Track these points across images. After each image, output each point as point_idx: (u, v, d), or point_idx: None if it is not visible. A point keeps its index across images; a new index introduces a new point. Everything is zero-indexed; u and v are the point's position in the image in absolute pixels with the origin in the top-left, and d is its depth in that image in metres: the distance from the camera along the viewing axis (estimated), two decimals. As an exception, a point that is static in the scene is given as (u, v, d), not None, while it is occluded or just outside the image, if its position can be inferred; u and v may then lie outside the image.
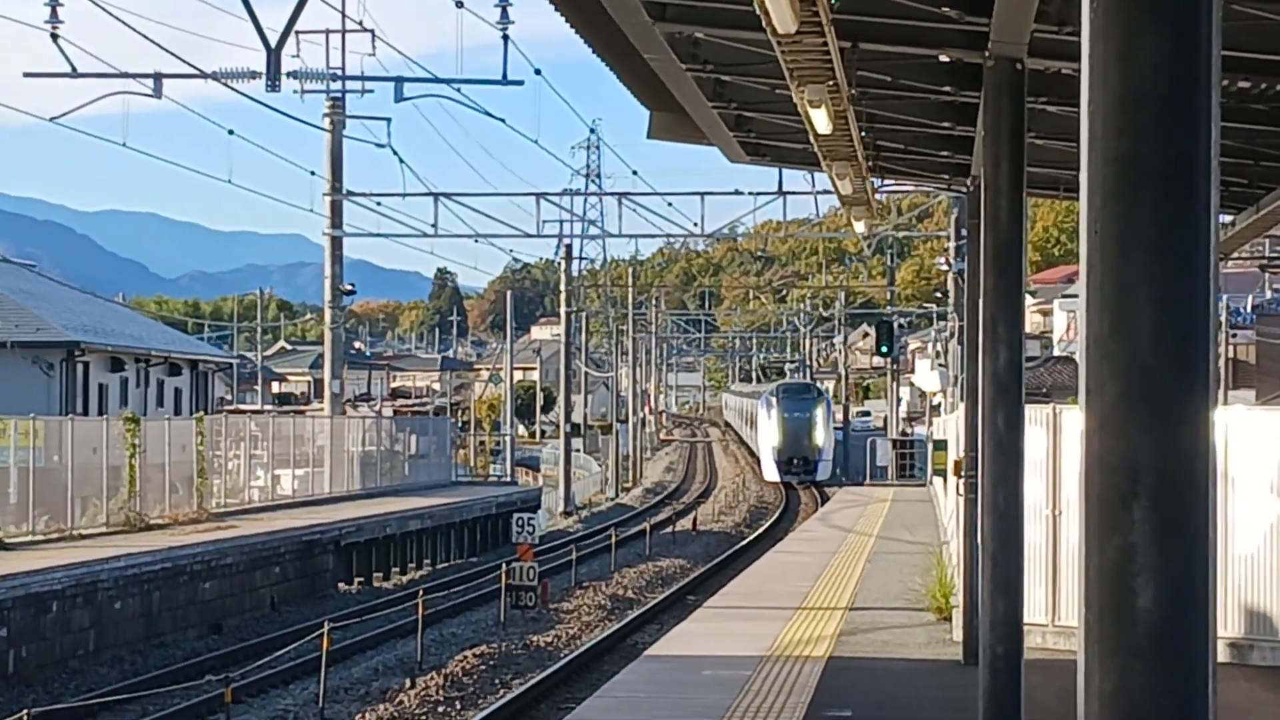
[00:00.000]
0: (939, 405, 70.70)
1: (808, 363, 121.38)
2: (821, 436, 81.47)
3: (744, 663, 19.00)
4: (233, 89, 42.34)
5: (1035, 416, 19.18)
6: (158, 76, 43.11)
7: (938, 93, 14.65)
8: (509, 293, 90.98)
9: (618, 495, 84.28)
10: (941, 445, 32.19)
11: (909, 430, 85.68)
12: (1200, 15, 3.53)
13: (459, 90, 45.94)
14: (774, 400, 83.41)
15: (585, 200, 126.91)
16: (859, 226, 25.88)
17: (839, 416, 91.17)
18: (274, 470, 45.56)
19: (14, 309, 48.60)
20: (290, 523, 38.60)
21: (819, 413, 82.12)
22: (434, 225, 49.24)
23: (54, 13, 40.49)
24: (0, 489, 32.46)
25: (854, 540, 36.78)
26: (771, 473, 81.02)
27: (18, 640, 25.88)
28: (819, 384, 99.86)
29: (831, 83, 12.76)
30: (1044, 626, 19.69)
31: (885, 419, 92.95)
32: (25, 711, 18.49)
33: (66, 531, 32.99)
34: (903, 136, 17.71)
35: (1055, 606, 19.81)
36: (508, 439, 75.82)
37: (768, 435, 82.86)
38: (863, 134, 15.90)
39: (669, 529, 57.23)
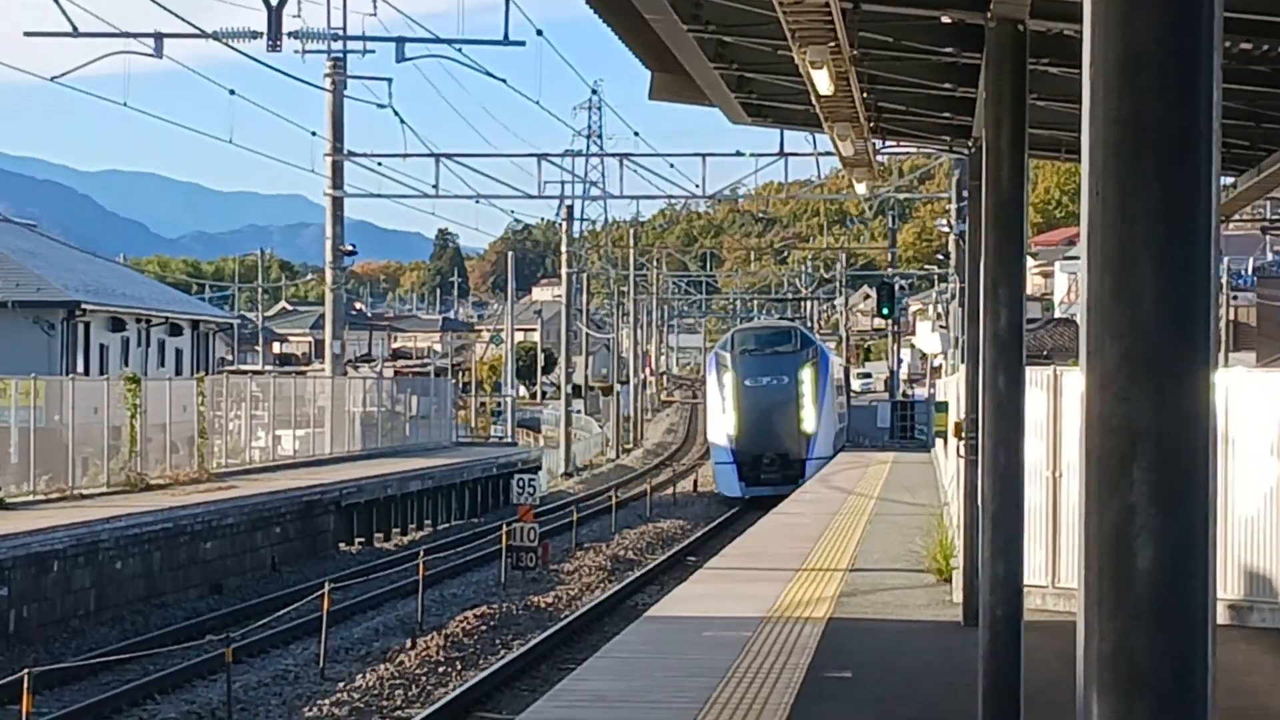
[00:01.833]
0: (940, 367, 70.67)
1: (801, 314, 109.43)
2: (812, 417, 50.87)
3: (744, 624, 19.02)
4: (233, 49, 42.27)
5: (1036, 378, 19.19)
6: (158, 36, 43.02)
7: (939, 54, 14.60)
8: (510, 254, 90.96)
9: (618, 456, 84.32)
10: (943, 407, 32.19)
11: (909, 392, 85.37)
12: (1203, -24, 3.51)
13: (460, 50, 45.94)
14: (729, 358, 51.86)
15: (586, 161, 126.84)
16: (860, 188, 25.89)
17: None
18: (275, 431, 45.61)
19: (15, 268, 48.58)
20: (291, 483, 38.64)
21: (805, 376, 50.95)
22: (435, 186, 49.27)
23: (54, -28, 40.37)
24: (1, 449, 32.49)
25: (854, 502, 36.80)
26: (729, 483, 51.27)
27: (19, 600, 25.94)
28: (807, 328, 63.30)
29: (833, 44, 12.73)
30: (1044, 588, 19.72)
31: (887, 380, 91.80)
32: (26, 671, 18.52)
33: (67, 491, 33.04)
34: (904, 98, 17.66)
35: (1055, 568, 19.83)
36: (509, 400, 75.84)
37: (719, 420, 51.72)
38: (864, 95, 15.87)
39: (669, 490, 57.28)
